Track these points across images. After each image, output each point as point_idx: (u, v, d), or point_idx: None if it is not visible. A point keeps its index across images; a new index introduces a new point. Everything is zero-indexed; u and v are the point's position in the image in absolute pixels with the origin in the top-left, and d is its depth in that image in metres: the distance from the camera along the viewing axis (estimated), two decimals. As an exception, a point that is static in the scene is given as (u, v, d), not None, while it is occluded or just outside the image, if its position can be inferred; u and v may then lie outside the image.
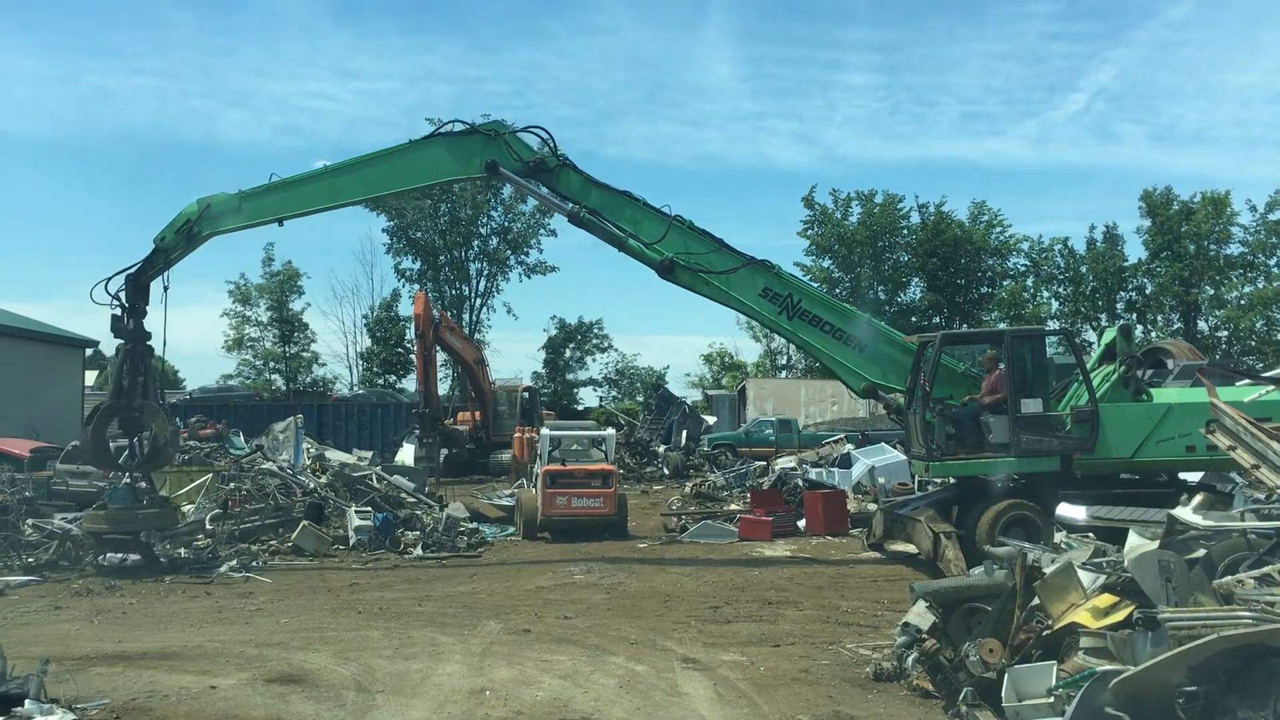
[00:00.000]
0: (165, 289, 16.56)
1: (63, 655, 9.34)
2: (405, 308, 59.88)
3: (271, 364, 61.89)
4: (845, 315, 16.59)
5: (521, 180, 16.31)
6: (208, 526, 17.50)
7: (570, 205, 16.40)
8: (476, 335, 56.86)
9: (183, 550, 16.32)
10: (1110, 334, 16.02)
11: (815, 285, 17.90)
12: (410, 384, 55.86)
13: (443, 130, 16.53)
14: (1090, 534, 10.06)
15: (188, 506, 18.91)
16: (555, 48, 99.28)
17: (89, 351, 42.88)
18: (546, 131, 16.37)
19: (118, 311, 15.89)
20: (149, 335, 16.25)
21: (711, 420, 47.69)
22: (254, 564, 15.54)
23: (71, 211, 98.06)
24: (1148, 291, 57.57)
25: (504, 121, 16.43)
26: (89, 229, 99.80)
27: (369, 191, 17.15)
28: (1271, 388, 14.17)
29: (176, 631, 11.04)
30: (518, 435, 30.50)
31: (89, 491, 22.33)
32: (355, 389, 58.89)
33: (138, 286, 16.10)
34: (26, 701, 6.58)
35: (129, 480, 16.08)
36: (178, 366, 79.56)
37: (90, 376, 47.96)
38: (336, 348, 69.53)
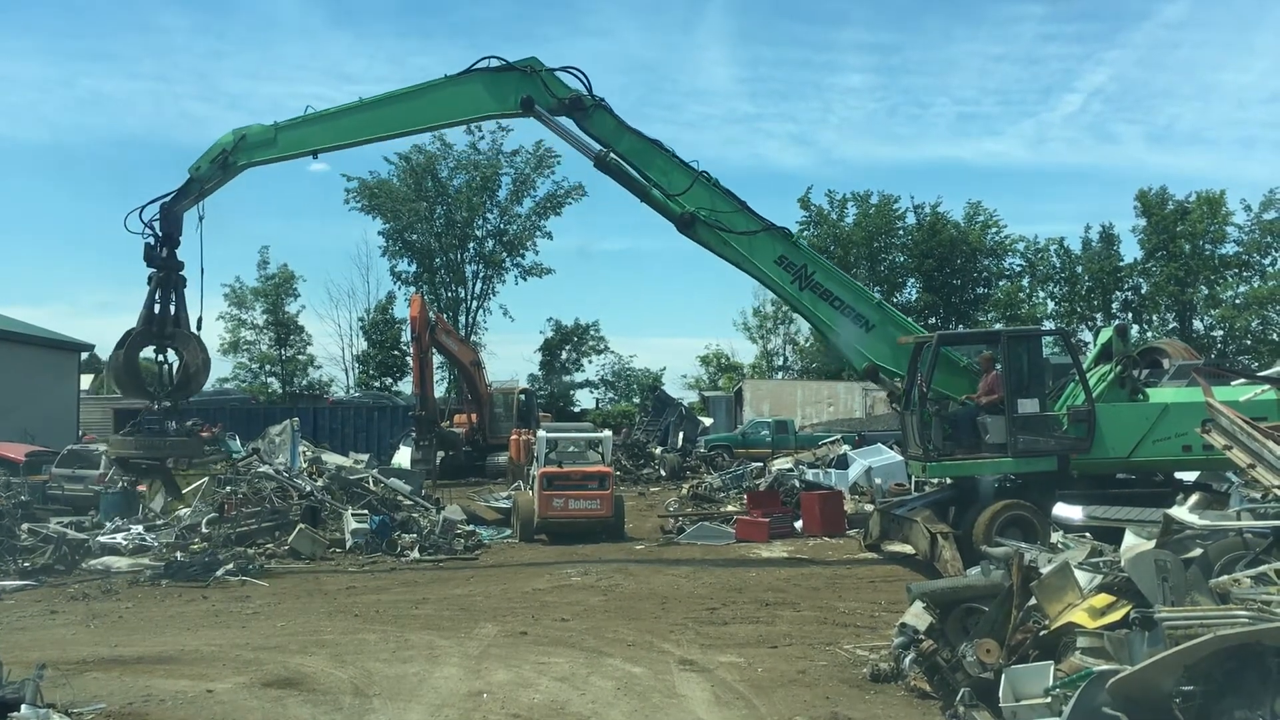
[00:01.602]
0: (200, 218, 16.62)
1: (59, 660, 9.32)
2: (401, 310, 59.82)
3: (267, 367, 61.85)
4: (856, 293, 16.72)
5: (553, 119, 16.27)
6: (204, 530, 17.45)
7: (597, 149, 16.40)
8: (473, 338, 56.81)
9: (179, 554, 16.27)
10: (1106, 334, 16.05)
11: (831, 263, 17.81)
12: (406, 387, 55.90)
13: (478, 66, 16.24)
14: (1087, 534, 10.05)
15: (184, 510, 18.86)
16: (552, 50, 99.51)
17: (84, 355, 42.78)
18: (581, 72, 16.38)
19: (151, 240, 15.94)
20: (181, 264, 16.29)
21: (708, 421, 47.65)
22: (250, 567, 15.49)
23: (67, 215, 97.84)
24: (1143, 291, 57.68)
25: (538, 59, 16.33)
26: (84, 233, 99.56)
27: (404, 126, 16.96)
28: (1267, 387, 14.18)
29: (173, 635, 11.01)
30: (514, 437, 30.45)
31: (84, 495, 22.35)
32: (351, 392, 58.87)
33: (171, 215, 16.12)
34: (23, 707, 6.56)
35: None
36: (173, 370, 79.70)
37: (86, 380, 47.89)
38: (332, 350, 69.37)
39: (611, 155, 16.33)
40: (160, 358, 16.46)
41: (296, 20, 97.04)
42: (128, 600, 13.40)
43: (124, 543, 17.08)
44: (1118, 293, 58.30)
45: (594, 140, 16.47)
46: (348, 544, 17.24)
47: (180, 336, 16.07)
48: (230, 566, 15.24)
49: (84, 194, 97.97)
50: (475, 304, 61.09)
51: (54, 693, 7.62)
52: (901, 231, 61.91)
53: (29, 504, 18.79)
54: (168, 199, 16.00)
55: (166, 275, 16.10)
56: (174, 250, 16.22)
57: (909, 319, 17.37)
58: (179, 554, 16.30)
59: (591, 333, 65.16)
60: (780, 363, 67.42)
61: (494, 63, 16.17)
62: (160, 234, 15.99)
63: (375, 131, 16.95)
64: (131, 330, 16.14)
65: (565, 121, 16.43)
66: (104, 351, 68.64)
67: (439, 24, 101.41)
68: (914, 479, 20.47)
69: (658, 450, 37.20)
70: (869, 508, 19.61)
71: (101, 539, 17.16)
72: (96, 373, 64.03)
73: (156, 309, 16.07)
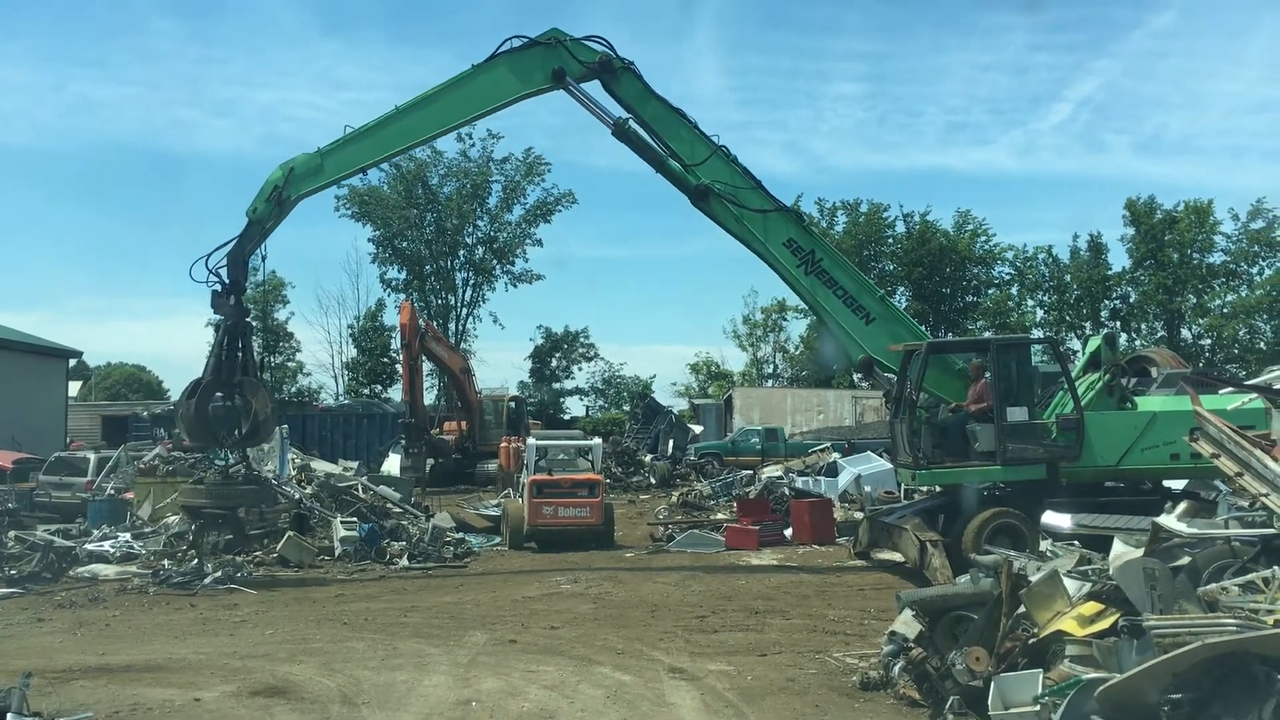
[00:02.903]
0: (263, 258, 16.70)
1: (45, 668, 9.28)
2: (391, 317, 59.69)
3: (256, 374, 61.64)
4: (861, 284, 16.80)
5: (579, 89, 16.31)
6: (192, 538, 17.37)
7: (616, 116, 16.45)
8: (462, 345, 56.74)
9: (166, 561, 16.21)
10: (1095, 342, 16.10)
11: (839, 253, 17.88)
12: (396, 394, 55.68)
13: (502, 50, 16.20)
14: (1075, 542, 10.09)
15: (172, 517, 18.78)
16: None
17: (72, 362, 42.61)
18: (605, 40, 16.42)
19: (218, 288, 15.87)
20: (248, 311, 16.23)
21: (698, 429, 47.67)
22: (239, 575, 15.43)
23: (55, 221, 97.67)
24: (1131, 300, 57.87)
25: (560, 29, 16.34)
26: (73, 239, 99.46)
27: (442, 125, 16.84)
28: (1254, 396, 14.23)
29: (160, 644, 10.96)
30: (504, 445, 30.42)
31: (72, 503, 22.27)
32: (341, 399, 58.67)
33: (237, 261, 16.05)
34: (9, 715, 6.52)
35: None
36: (162, 377, 79.36)
37: (74, 387, 47.70)
38: (322, 358, 69.39)
39: (631, 123, 16.42)
40: (227, 404, 16.25)
41: (287, 27, 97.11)
42: (115, 608, 13.33)
43: (111, 550, 17.03)
44: (1106, 301, 58.49)
45: (619, 105, 16.52)
46: (336, 552, 17.18)
47: (248, 384, 15.97)
48: (218, 574, 15.19)
49: (73, 200, 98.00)
50: (465, 311, 61.06)
51: (40, 701, 7.57)
52: (891, 240, 62.04)
53: (16, 511, 18.73)
54: (231, 246, 15.89)
55: (234, 323, 16.02)
56: (240, 297, 16.20)
57: (912, 320, 17.41)
58: (167, 562, 16.25)
59: (581, 340, 65.21)
60: (770, 371, 67.53)
61: (518, 43, 16.18)
62: (226, 281, 15.90)
63: (414, 137, 16.96)
64: (200, 379, 15.96)
65: (589, 89, 16.50)
66: (91, 359, 68.48)
67: (430, 30, 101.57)
68: (903, 487, 20.49)
69: (648, 458, 37.20)
70: (858, 515, 19.62)
71: (89, 546, 17.12)
72: (84, 379, 63.81)
73: (224, 356, 15.92)
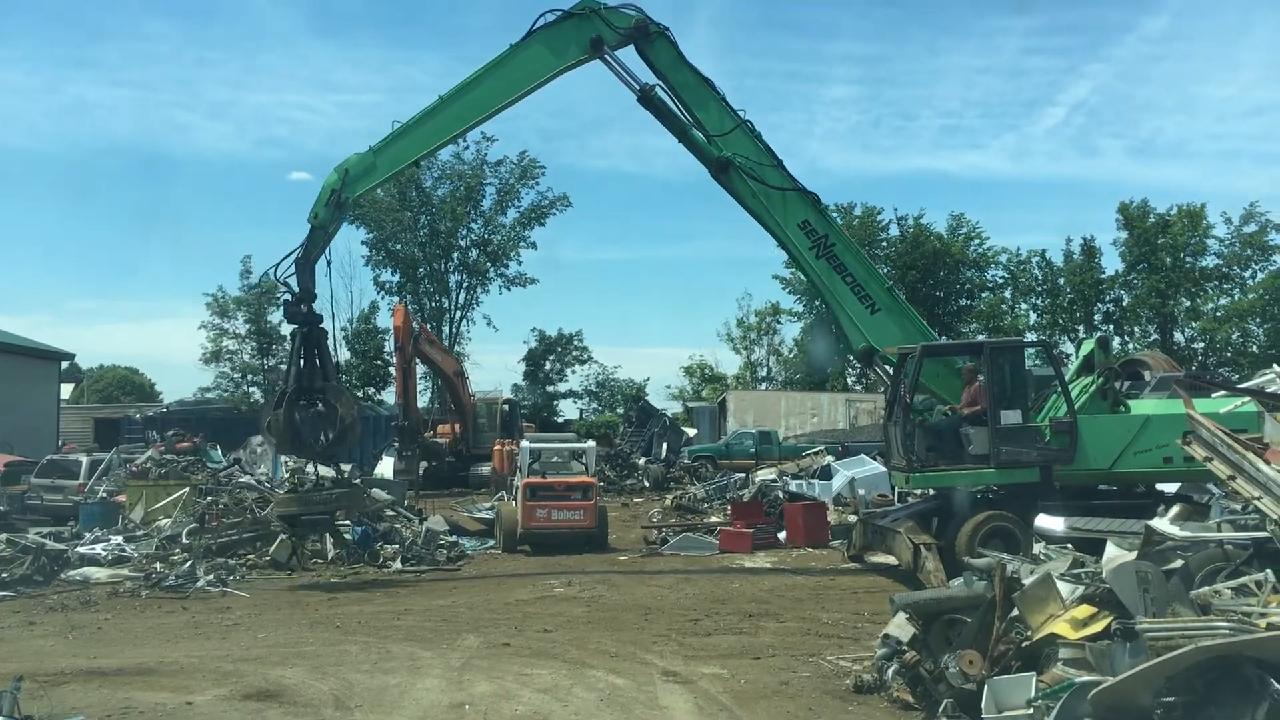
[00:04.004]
0: (329, 263, 16.79)
1: (37, 672, 9.24)
2: (385, 320, 59.40)
3: (250, 377, 61.45)
4: (870, 273, 16.87)
5: (615, 57, 16.35)
6: (184, 541, 17.35)
7: (643, 83, 16.48)
8: (456, 347, 56.59)
9: (159, 565, 16.17)
10: (1088, 346, 16.11)
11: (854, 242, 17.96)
12: (389, 396, 55.55)
13: (538, 26, 16.20)
14: (1069, 545, 10.09)
15: (164, 521, 18.75)
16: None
17: (65, 365, 42.51)
18: (637, 6, 16.41)
19: (289, 297, 15.97)
20: (321, 317, 16.23)
21: (692, 432, 47.66)
22: (231, 578, 15.42)
23: (49, 224, 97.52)
24: (1125, 303, 57.86)
25: None
26: (67, 241, 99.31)
27: (488, 109, 16.70)
28: (1247, 399, 14.27)
29: (152, 647, 10.93)
30: (497, 448, 30.42)
31: (64, 506, 22.22)
32: (335, 402, 58.49)
33: (305, 269, 16.08)
34: (0, 718, 6.50)
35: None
36: (155, 379, 79.27)
37: (66, 390, 47.57)
38: (316, 360, 69.13)
39: (657, 90, 16.44)
40: (311, 412, 16.28)
41: (281, 29, 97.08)
42: (107, 611, 13.30)
43: (103, 553, 16.99)
44: (1099, 305, 58.48)
45: (651, 71, 16.55)
46: (330, 555, 17.16)
47: (331, 390, 16.07)
48: (210, 577, 15.16)
49: (67, 202, 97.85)
50: (459, 314, 60.88)
51: (32, 704, 7.55)
52: (884, 243, 62.01)
53: (7, 514, 18.72)
54: (298, 253, 15.91)
55: (309, 330, 16.05)
56: (312, 304, 16.19)
57: (919, 317, 17.42)
58: (159, 565, 16.21)
59: (575, 343, 65.09)
60: (764, 373, 67.50)
61: (551, 16, 16.17)
62: (296, 290, 15.95)
63: (460, 125, 16.91)
64: (284, 389, 16.10)
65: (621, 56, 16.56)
66: (85, 360, 68.36)
67: (424, 33, 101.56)
68: (897, 490, 20.49)
69: (641, 461, 37.17)
70: (852, 519, 19.60)
71: (81, 550, 17.08)
72: (77, 382, 63.63)
73: (303, 365, 15.97)
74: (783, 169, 16.58)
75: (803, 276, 17.98)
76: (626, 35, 16.23)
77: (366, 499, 17.55)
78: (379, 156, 16.24)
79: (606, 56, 16.38)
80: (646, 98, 16.47)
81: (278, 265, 15.89)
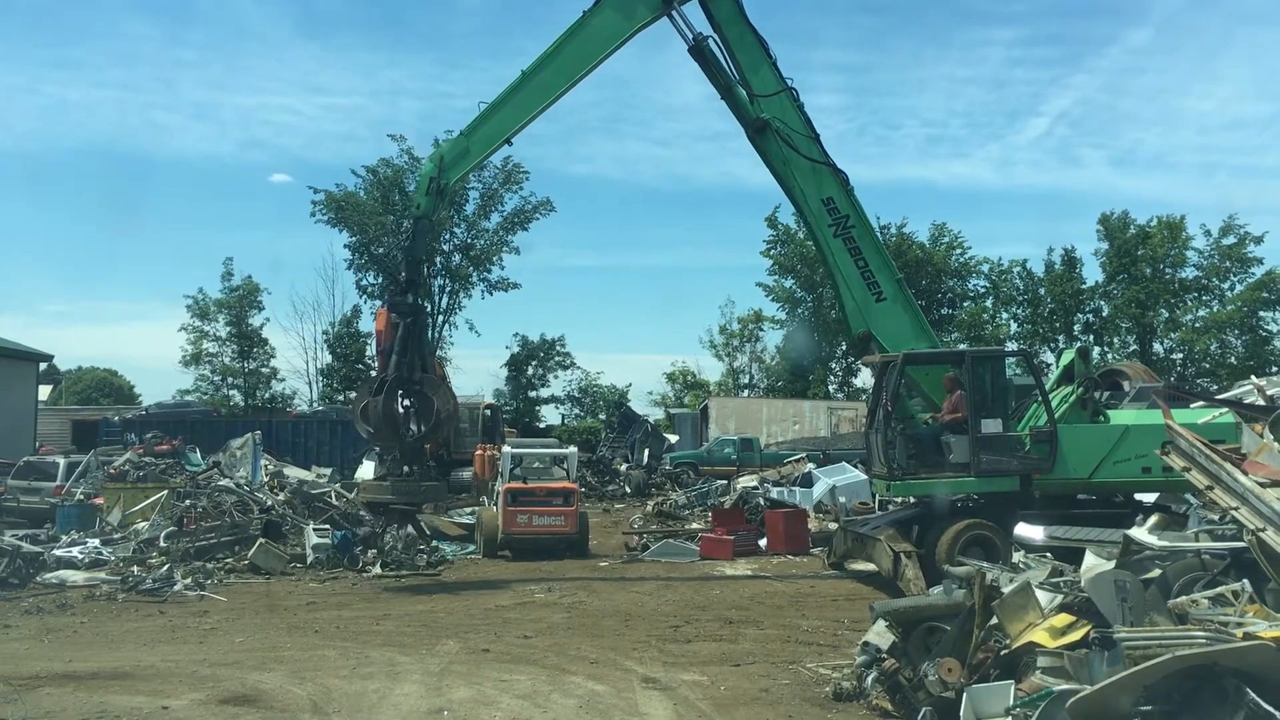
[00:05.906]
0: (436, 257, 16.77)
1: (11, 675, 9.18)
2: (366, 324, 59.25)
3: (230, 379, 61.15)
4: (884, 262, 17.03)
5: (681, 12, 16.45)
6: (162, 544, 17.24)
7: (695, 33, 16.60)
8: (438, 352, 56.51)
9: (136, 568, 16.05)
10: (1068, 356, 16.22)
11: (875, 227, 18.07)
12: (371, 400, 55.29)
13: None
14: (1048, 554, 10.13)
15: (142, 524, 18.63)
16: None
17: (43, 366, 42.20)
18: None
19: (394, 288, 16.06)
20: (425, 309, 16.21)
21: (674, 439, 47.65)
22: (209, 582, 15.32)
23: (27, 224, 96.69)
24: (1105, 314, 58.23)
25: None
26: (45, 242, 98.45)
27: (570, 77, 16.64)
28: (1225, 410, 14.35)
29: (129, 651, 10.86)
30: (479, 453, 30.31)
31: (40, 508, 22.05)
32: (315, 405, 58.24)
33: (413, 260, 16.30)
34: (-28, 723, 6.44)
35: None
36: (134, 381, 78.72)
37: (44, 391, 47.20)
38: (296, 363, 68.39)
39: (709, 43, 16.59)
40: (406, 403, 16.48)
41: (265, 31, 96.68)
42: (83, 615, 13.19)
43: (80, 556, 16.86)
44: (1079, 315, 58.83)
45: (708, 23, 16.66)
46: (309, 559, 17.10)
47: (429, 381, 16.27)
48: (188, 581, 15.07)
49: (46, 203, 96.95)
50: (441, 318, 60.75)
51: (6, 708, 7.50)
52: (867, 252, 62.25)
53: (-17, 516, 18.47)
54: (407, 246, 15.97)
55: (414, 320, 16.20)
56: (418, 295, 16.37)
57: (922, 315, 17.51)
58: (136, 568, 16.09)
59: (558, 348, 65.00)
60: (746, 380, 67.53)
61: None
62: (404, 280, 16.05)
63: (545, 97, 16.67)
64: (384, 378, 16.20)
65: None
66: (63, 362, 67.88)
67: (409, 36, 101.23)
68: (878, 497, 20.55)
69: (623, 467, 37.16)
70: (833, 526, 19.66)
71: (57, 552, 16.94)
72: (55, 383, 63.15)
73: (405, 355, 16.08)
74: (819, 142, 16.79)
75: (812, 264, 18.02)
76: None
77: (448, 495, 17.60)
78: (471, 139, 16.40)
79: (677, 13, 16.49)
80: (698, 49, 16.64)
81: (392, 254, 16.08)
